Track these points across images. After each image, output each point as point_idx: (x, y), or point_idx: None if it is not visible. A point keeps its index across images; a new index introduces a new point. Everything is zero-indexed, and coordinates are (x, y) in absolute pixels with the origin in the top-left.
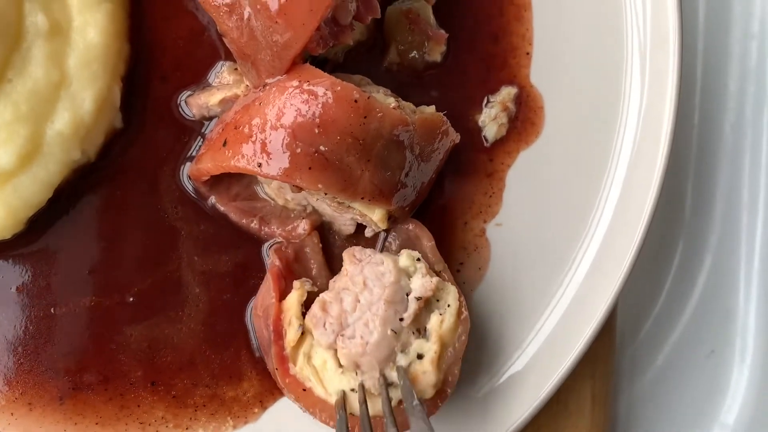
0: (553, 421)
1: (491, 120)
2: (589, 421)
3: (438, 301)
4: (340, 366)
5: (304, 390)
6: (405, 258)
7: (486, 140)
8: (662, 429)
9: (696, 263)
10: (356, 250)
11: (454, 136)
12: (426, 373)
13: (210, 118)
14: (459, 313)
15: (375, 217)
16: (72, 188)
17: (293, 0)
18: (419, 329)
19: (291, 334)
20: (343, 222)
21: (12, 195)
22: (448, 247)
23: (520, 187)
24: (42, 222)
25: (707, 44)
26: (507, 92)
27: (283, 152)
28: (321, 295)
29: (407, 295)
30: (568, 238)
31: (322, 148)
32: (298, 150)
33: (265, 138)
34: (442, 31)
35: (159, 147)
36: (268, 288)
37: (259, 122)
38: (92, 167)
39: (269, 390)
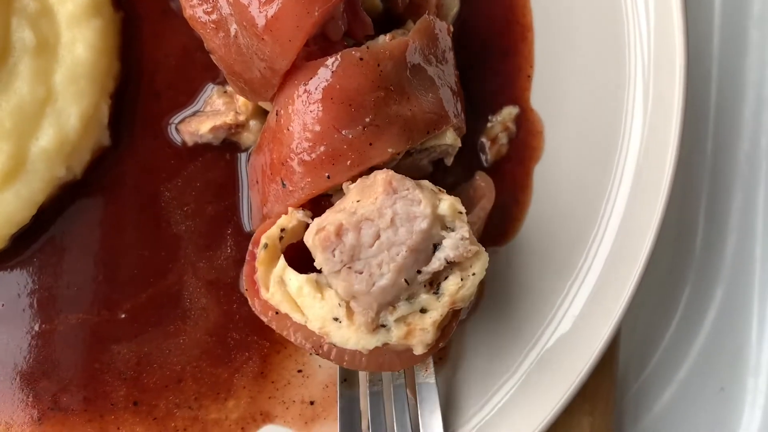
0: None
1: (491, 140)
2: None
3: (469, 266)
4: (318, 292)
5: (277, 313)
6: (447, 207)
7: (486, 161)
8: None
9: (706, 297)
10: (396, 177)
11: (446, 20)
12: (425, 330)
13: (201, 145)
14: (482, 283)
15: (449, 140)
16: (59, 205)
17: (279, 16)
18: (432, 282)
19: (261, 254)
20: (422, 168)
21: None
22: None
23: None
24: (27, 239)
25: (721, 71)
26: (508, 112)
27: (339, 147)
28: (339, 216)
29: (434, 246)
30: (566, 267)
31: (367, 119)
32: (350, 136)
33: (315, 148)
34: None
35: (150, 164)
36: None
37: (298, 142)
38: (80, 184)
39: (252, 416)
